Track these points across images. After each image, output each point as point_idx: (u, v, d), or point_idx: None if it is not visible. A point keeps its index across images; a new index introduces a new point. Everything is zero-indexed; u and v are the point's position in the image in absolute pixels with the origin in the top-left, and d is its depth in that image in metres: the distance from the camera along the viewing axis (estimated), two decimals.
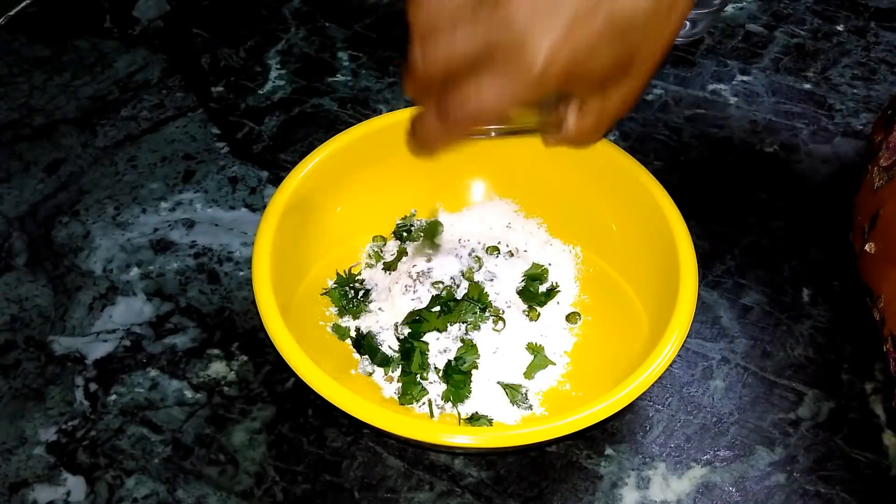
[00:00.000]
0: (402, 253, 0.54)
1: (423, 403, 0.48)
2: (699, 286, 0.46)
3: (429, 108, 0.39)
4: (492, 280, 0.52)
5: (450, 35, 0.36)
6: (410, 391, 0.47)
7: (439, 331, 0.49)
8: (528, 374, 0.49)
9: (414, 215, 0.56)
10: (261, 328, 0.48)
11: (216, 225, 0.58)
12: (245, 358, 0.51)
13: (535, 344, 0.50)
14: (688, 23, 0.69)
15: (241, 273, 0.55)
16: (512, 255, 0.54)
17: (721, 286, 0.55)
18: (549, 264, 0.54)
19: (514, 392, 0.48)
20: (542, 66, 0.35)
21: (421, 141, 0.40)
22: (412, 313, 0.50)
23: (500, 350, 0.49)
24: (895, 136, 0.51)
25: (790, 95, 0.67)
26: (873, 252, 0.49)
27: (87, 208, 0.59)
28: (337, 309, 0.51)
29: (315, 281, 0.51)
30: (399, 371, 0.49)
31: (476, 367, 0.48)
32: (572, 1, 0.34)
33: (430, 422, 0.47)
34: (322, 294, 0.51)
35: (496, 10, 0.35)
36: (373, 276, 0.53)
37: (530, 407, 0.47)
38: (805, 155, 0.63)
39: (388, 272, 0.53)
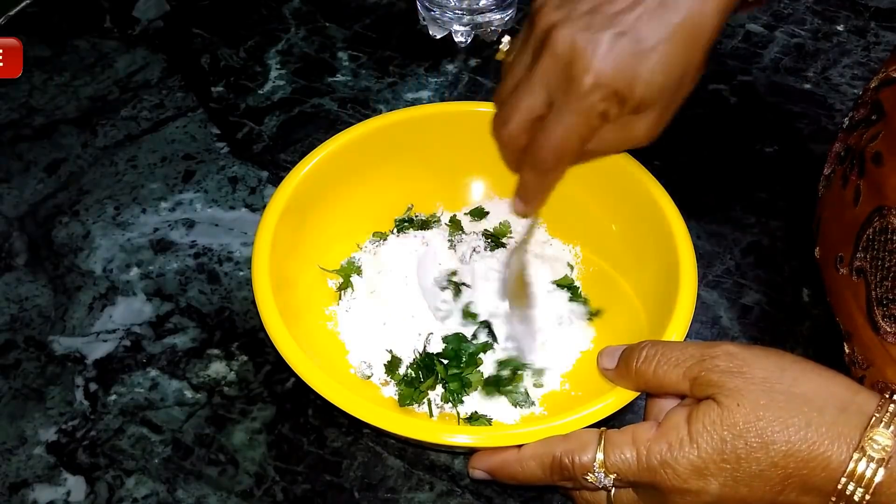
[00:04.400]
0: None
1: (423, 403, 0.48)
2: (699, 286, 0.46)
3: (524, 170, 0.44)
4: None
5: (514, 100, 0.42)
6: (411, 393, 0.47)
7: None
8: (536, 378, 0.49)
9: (411, 210, 0.56)
10: (261, 328, 0.48)
11: (216, 225, 0.58)
12: (245, 358, 0.51)
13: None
14: None
15: (241, 273, 0.55)
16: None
17: (721, 286, 0.55)
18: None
19: (514, 392, 0.47)
20: (592, 77, 0.39)
21: (526, 199, 0.46)
22: (457, 336, 0.49)
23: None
24: (836, 145, 0.51)
25: (790, 95, 0.67)
26: (818, 257, 0.52)
27: (87, 208, 0.59)
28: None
29: (315, 281, 0.51)
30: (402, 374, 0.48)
31: (481, 384, 0.48)
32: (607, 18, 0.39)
33: (430, 422, 0.47)
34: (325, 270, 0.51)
35: (544, 54, 0.40)
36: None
37: (531, 406, 0.47)
38: (805, 155, 0.63)
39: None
